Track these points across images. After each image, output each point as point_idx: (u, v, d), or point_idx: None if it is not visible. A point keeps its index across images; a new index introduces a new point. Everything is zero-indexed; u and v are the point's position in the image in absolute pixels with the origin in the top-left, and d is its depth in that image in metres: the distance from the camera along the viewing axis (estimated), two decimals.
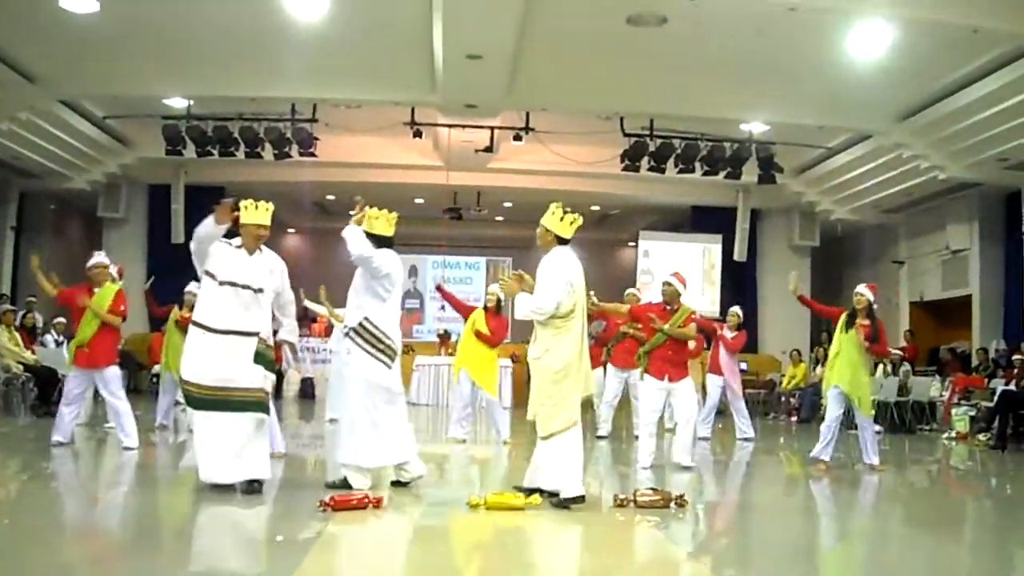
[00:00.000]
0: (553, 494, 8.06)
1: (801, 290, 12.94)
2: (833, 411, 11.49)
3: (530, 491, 8.20)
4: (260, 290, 8.25)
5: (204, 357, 7.99)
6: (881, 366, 18.78)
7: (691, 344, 14.96)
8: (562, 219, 8.52)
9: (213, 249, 8.22)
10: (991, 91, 14.18)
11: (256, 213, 8.38)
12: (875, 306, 11.66)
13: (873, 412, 11.97)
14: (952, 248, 20.34)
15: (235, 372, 7.98)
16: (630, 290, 15.20)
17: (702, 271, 23.47)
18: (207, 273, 8.22)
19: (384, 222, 8.76)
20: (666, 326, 10.95)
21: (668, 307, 11.21)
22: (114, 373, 11.27)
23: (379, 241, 8.58)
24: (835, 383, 11.46)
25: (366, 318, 8.38)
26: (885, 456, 13.69)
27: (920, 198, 20.57)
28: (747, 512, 9.51)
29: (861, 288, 11.70)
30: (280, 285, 8.65)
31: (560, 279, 8.23)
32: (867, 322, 11.31)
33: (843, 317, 11.61)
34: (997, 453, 14.45)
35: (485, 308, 13.50)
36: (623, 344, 14.28)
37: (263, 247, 8.48)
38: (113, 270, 11.63)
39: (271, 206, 8.44)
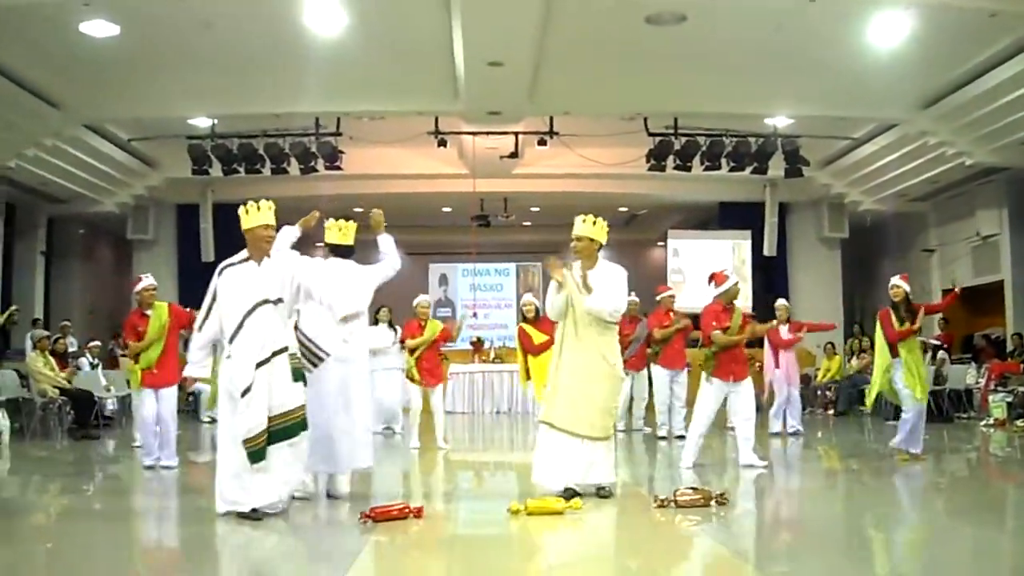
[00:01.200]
0: (600, 488, 8.55)
1: (836, 287, 13.00)
2: (917, 404, 11.50)
3: (573, 493, 8.28)
4: (278, 300, 7.77)
5: (257, 402, 7.55)
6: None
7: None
8: (595, 224, 8.83)
9: (221, 283, 7.82)
10: (1013, 74, 14.07)
11: (259, 214, 8.01)
12: (910, 295, 11.70)
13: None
14: (982, 234, 20.20)
15: (278, 398, 7.61)
16: (666, 294, 15.20)
17: (732, 267, 23.25)
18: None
19: (336, 232, 9.06)
20: (729, 328, 10.96)
21: (727, 305, 11.19)
22: (173, 392, 11.43)
23: (334, 250, 9.06)
24: (911, 379, 11.45)
25: (296, 325, 8.39)
26: (925, 445, 13.66)
27: (948, 185, 20.45)
28: (788, 506, 9.49)
29: (896, 280, 11.72)
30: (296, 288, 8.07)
31: (626, 284, 8.76)
32: (908, 315, 11.40)
33: (892, 313, 11.63)
34: None
35: (525, 319, 13.56)
36: (672, 345, 14.44)
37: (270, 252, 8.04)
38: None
39: (272, 204, 8.11)
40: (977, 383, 17.86)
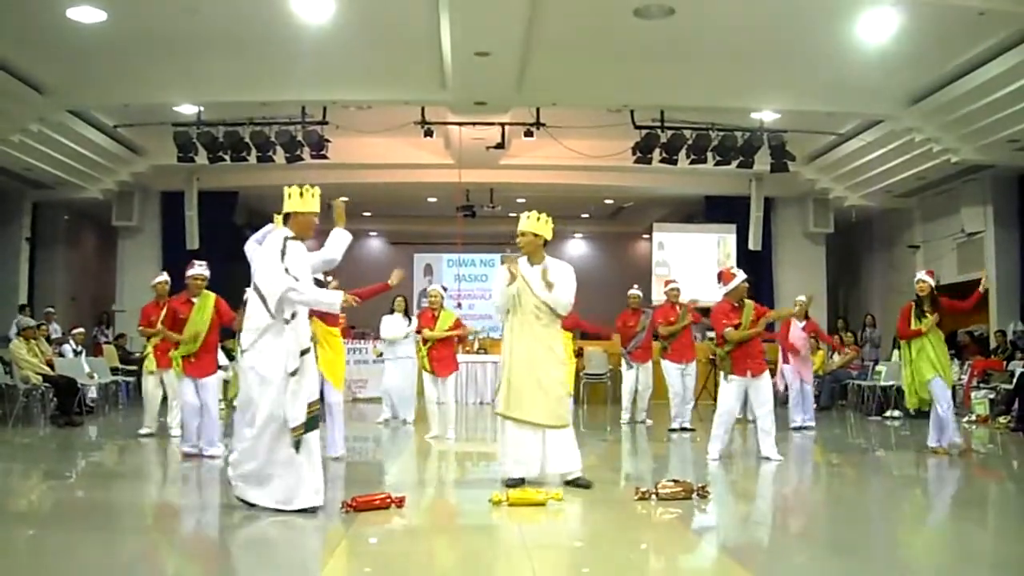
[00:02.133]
0: (576, 479, 8.78)
1: (821, 282, 13.10)
2: (947, 397, 11.77)
3: (521, 482, 8.62)
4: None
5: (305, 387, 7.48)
6: (897, 351, 18.80)
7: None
8: (540, 220, 9.04)
9: (291, 253, 7.50)
10: (1000, 73, 14.11)
11: (311, 201, 7.81)
12: (935, 290, 11.91)
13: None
14: (967, 231, 20.26)
15: (310, 386, 7.56)
16: (671, 287, 15.39)
17: (717, 261, 23.34)
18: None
19: (297, 199, 8.69)
20: (740, 325, 11.08)
21: (735, 304, 11.29)
22: (215, 381, 11.51)
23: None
24: (934, 374, 11.69)
25: None
26: (907, 441, 13.73)
27: (933, 182, 20.48)
28: (768, 501, 9.52)
29: (921, 275, 12.01)
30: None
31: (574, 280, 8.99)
32: (932, 309, 11.71)
33: (912, 310, 11.73)
34: (1017, 435, 14.39)
35: None
36: (680, 339, 14.69)
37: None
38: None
39: (318, 190, 7.89)
40: (960, 380, 17.89)
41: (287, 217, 7.76)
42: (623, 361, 15.81)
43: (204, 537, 7.31)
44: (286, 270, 7.39)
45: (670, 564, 6.52)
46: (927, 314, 11.62)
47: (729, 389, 11.10)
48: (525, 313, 8.81)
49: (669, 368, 14.83)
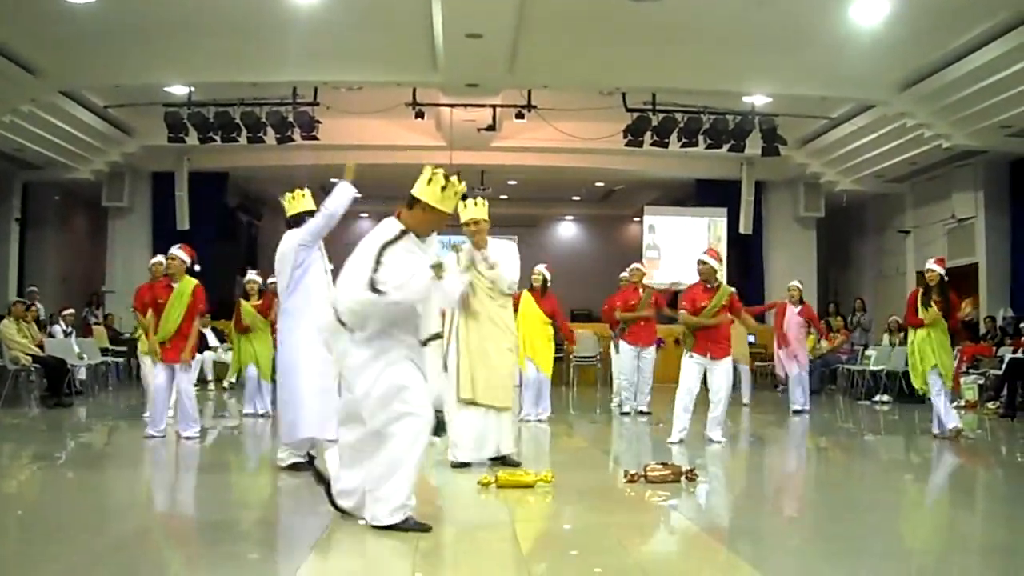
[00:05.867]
0: (506, 457, 9.07)
1: (811, 267, 13.08)
2: (939, 386, 11.78)
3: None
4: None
5: None
6: (887, 335, 18.85)
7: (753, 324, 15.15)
8: (484, 205, 9.35)
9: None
10: (992, 58, 14.10)
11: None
12: (946, 279, 11.93)
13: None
14: (958, 217, 20.29)
15: None
16: (635, 265, 15.21)
17: (708, 245, 23.38)
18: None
19: (290, 202, 8.99)
20: (706, 309, 11.00)
21: (708, 285, 11.14)
22: (189, 367, 11.39)
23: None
24: (933, 364, 11.74)
25: None
26: (896, 426, 13.77)
27: (925, 167, 20.48)
28: (755, 484, 9.56)
29: (931, 264, 12.01)
30: None
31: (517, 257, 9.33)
32: (940, 299, 11.70)
33: (919, 296, 11.76)
34: (1006, 421, 14.45)
35: (531, 288, 13.50)
36: (637, 321, 14.43)
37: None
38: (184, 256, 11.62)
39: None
40: None
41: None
42: (612, 345, 15.48)
43: (196, 519, 7.32)
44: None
45: (658, 547, 6.54)
46: (933, 303, 11.64)
47: (688, 366, 11.05)
48: (480, 297, 8.81)
49: (624, 350, 14.56)
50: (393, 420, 6.07)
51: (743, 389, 16.32)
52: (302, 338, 8.34)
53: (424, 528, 6.16)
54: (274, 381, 11.38)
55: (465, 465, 8.82)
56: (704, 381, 11.09)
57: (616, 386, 15.28)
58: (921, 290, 11.90)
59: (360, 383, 6.13)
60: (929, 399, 12.17)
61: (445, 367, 8.88)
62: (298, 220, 8.78)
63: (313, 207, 8.82)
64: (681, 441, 10.86)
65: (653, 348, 14.60)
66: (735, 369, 14.58)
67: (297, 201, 8.88)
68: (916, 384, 12.31)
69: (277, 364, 9.23)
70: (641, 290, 14.59)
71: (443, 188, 6.50)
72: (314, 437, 8.57)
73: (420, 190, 6.55)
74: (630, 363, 14.51)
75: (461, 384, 8.95)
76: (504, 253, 9.10)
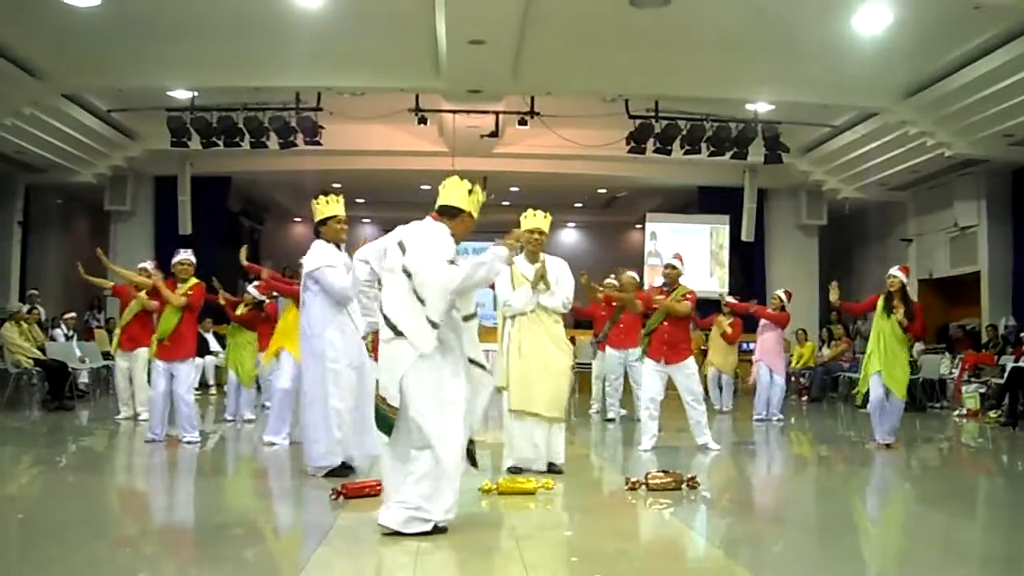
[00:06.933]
0: (553, 467, 8.94)
1: (813, 274, 13.04)
2: (877, 394, 11.58)
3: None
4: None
5: None
6: None
7: (728, 330, 15.10)
8: (546, 217, 9.17)
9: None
10: (995, 67, 14.13)
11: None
12: (907, 287, 11.81)
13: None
14: (960, 225, 20.28)
15: None
16: (629, 274, 15.09)
17: (710, 252, 23.40)
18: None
19: (323, 205, 8.92)
20: (667, 300, 11.04)
21: (669, 289, 11.25)
22: (189, 367, 11.34)
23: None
24: (877, 369, 11.56)
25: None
26: (898, 434, 13.75)
27: (927, 175, 20.48)
28: (755, 492, 9.55)
29: (894, 271, 11.88)
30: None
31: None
32: (901, 304, 11.55)
33: (880, 302, 11.69)
34: (1008, 430, 14.43)
35: None
36: (618, 324, 14.14)
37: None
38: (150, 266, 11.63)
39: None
40: (951, 373, 17.94)
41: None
42: (592, 350, 15.47)
43: (191, 521, 7.32)
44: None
45: (659, 554, 6.52)
46: (894, 310, 11.54)
47: (649, 374, 11.07)
48: (536, 310, 8.95)
49: (610, 354, 14.37)
50: (442, 433, 6.12)
51: (724, 397, 16.34)
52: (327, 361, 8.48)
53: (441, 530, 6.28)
54: (259, 387, 11.43)
55: (519, 471, 8.72)
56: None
57: (595, 391, 15.24)
58: (883, 296, 11.81)
59: (413, 396, 6.16)
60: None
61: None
62: (324, 224, 8.78)
63: (342, 213, 8.80)
64: (654, 448, 10.82)
65: (638, 352, 14.47)
66: (719, 376, 14.67)
67: (331, 205, 8.82)
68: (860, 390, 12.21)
69: (301, 388, 9.09)
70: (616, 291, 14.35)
71: (472, 195, 6.98)
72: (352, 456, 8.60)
73: (462, 200, 7.00)
74: (616, 368, 14.35)
75: (513, 395, 8.95)
76: (558, 270, 9.12)
